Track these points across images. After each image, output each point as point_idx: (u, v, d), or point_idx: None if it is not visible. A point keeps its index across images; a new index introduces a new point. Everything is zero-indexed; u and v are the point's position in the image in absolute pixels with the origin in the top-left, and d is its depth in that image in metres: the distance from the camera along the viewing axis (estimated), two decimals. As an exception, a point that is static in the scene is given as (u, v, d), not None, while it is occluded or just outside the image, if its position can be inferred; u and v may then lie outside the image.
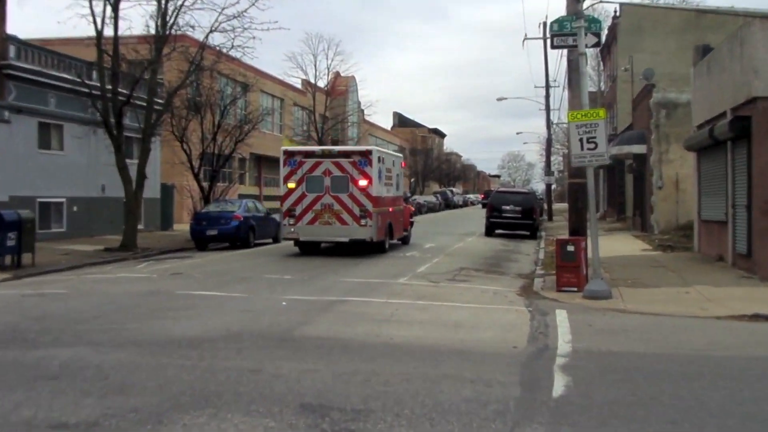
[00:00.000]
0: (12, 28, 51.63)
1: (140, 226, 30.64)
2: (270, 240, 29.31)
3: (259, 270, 19.27)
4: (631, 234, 32.25)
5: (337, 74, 59.18)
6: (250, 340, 10.03)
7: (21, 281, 17.74)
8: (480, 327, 11.39)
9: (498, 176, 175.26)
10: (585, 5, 16.41)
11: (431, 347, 9.73)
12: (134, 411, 6.83)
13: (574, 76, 16.83)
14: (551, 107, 53.91)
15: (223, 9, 30.44)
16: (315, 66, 55.33)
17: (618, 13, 45.82)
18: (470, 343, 10.06)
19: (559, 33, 16.58)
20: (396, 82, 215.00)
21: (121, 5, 26.00)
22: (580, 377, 8.20)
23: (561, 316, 12.32)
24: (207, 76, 32.50)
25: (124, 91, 26.75)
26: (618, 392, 7.60)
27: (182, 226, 35.82)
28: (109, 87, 26.11)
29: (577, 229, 16.96)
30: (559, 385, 7.86)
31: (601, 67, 58.62)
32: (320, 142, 52.75)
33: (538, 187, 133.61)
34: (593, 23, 16.47)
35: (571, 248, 15.38)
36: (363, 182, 22.77)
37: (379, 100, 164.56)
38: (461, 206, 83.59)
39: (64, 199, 30.14)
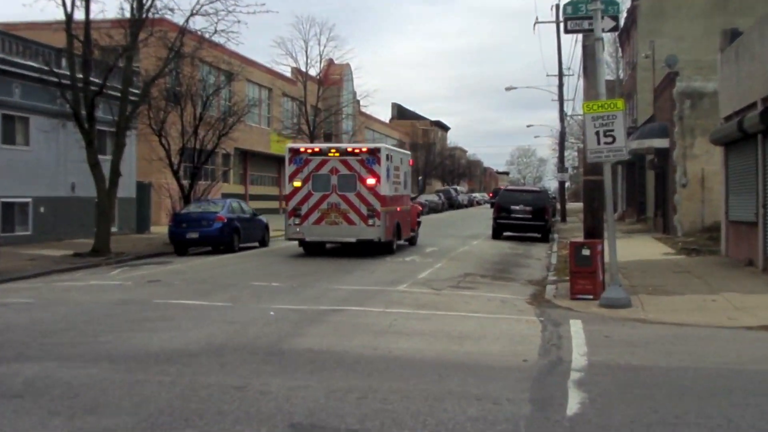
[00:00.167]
0: (-27, 11, 51.53)
1: (114, 229, 30.60)
2: (256, 243, 29.29)
3: (244, 277, 19.25)
4: (652, 236, 32.28)
5: (331, 62, 59.12)
6: (234, 354, 10.01)
7: (-17, 289, 17.69)
8: (487, 338, 11.38)
9: (506, 173, 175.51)
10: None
11: (433, 361, 9.72)
12: (107, 432, 6.81)
13: (589, 63, 16.84)
14: (565, 98, 54.07)
15: (205, -10, 30.40)
16: (306, 53, 55.25)
17: (638, -6, 45.89)
18: (476, 357, 10.05)
19: (574, 16, 16.59)
20: (395, 71, 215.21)
21: (93, -14, 26.01)
22: (596, 394, 8.18)
23: (575, 327, 12.31)
24: (187, 63, 32.48)
25: (97, 81, 26.72)
26: (638, 410, 7.59)
27: (160, 229, 35.80)
28: (80, 76, 26.08)
29: (593, 230, 16.95)
30: (574, 402, 7.85)
31: (620, 54, 58.70)
32: (312, 136, 52.75)
33: (551, 185, 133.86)
34: (611, 5, 16.48)
35: (586, 252, 15.38)
36: (371, 181, 23.73)
37: (377, 90, 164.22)
38: (466, 206, 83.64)
39: (29, 199, 30.11)
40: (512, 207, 33.24)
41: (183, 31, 28.77)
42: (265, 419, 7.18)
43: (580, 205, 62.53)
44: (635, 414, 7.46)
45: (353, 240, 24.04)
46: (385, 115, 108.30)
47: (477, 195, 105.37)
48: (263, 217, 30.60)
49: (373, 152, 24.14)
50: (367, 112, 74.91)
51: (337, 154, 24.12)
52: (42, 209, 30.59)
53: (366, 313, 13.62)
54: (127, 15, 27.09)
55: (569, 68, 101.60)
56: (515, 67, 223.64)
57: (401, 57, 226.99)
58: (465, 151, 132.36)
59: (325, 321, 12.67)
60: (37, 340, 11.03)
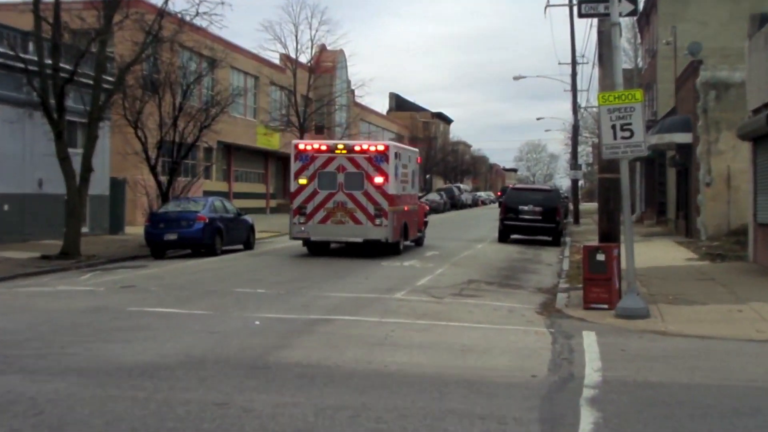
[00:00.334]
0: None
1: (85, 229, 30.54)
2: (241, 246, 29.27)
3: (227, 282, 19.23)
4: (673, 240, 32.31)
5: (323, 48, 59.15)
6: (215, 368, 9.99)
7: (-59, 295, 17.65)
8: (492, 352, 11.38)
9: (515, 170, 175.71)
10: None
11: (433, 376, 9.71)
12: (74, 453, 6.79)
13: (605, 50, 16.84)
14: (578, 88, 53.84)
15: (185, -32, 30.46)
16: (296, 38, 55.14)
17: (658, -24, 45.94)
18: (480, 372, 10.05)
19: (589, -1, 16.57)
20: (393, 58, 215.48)
21: (63, -37, 25.99)
22: (611, 413, 8.18)
23: (589, 339, 12.32)
24: (166, 49, 32.40)
25: (67, 67, 26.66)
26: (657, 431, 7.57)
27: (135, 229, 35.75)
28: (49, 61, 26.03)
29: (609, 233, 16.95)
30: (587, 422, 7.84)
31: (639, 40, 58.77)
32: (302, 128, 52.76)
33: (563, 183, 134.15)
34: (629, -13, 16.46)
35: (601, 257, 15.38)
36: (379, 179, 24.95)
37: (373, 79, 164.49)
38: (470, 206, 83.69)
39: (-7, 197, 30.04)
40: (520, 207, 33.26)
41: (161, 13, 28.73)
42: (249, 440, 7.15)
43: (594, 205, 62.51)
44: (654, 435, 7.45)
45: (360, 240, 25.22)
46: (381, 106, 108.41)
47: (482, 194, 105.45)
48: (248, 217, 30.57)
49: (382, 150, 25.22)
50: (363, 103, 75.02)
51: (344, 152, 25.24)
52: (6, 207, 30.50)
53: (360, 323, 13.60)
54: (101, -5, 27.07)
55: (583, 56, 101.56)
56: (524, 54, 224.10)
57: (400, 43, 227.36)
58: (469, 146, 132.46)
59: (314, 332, 12.65)
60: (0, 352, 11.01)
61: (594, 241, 20.16)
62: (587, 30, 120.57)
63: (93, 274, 22.06)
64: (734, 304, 15.69)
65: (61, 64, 26.47)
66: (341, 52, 68.20)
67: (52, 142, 26.53)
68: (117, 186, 37.21)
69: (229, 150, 56.03)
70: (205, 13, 28.26)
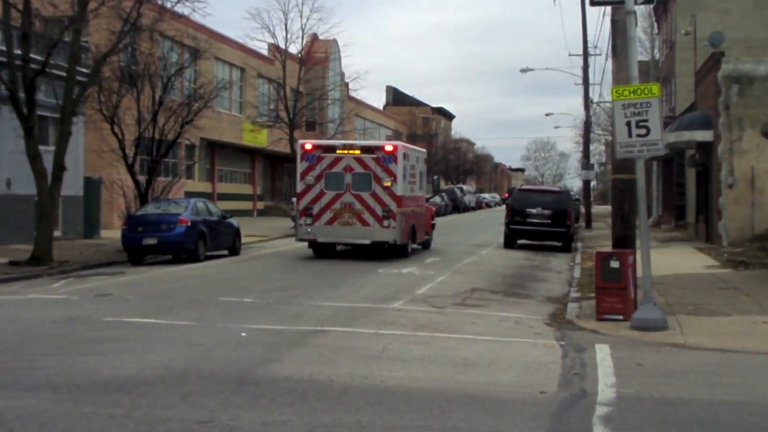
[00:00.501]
0: None
1: (57, 233, 30.51)
2: (225, 251, 29.29)
3: (211, 290, 19.24)
4: (692, 246, 32.36)
5: (315, 37, 59.17)
6: (198, 383, 10.00)
7: None
8: (497, 366, 11.40)
9: (522, 170, 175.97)
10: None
11: (434, 392, 9.72)
12: (47, 475, 6.80)
13: (619, 41, 16.88)
14: (591, 81, 53.93)
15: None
16: (286, 27, 55.09)
17: (677, -39, 46.02)
18: (484, 387, 10.06)
19: (601, -14, 16.64)
20: (390, 48, 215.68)
21: (34, -54, 25.98)
22: (626, 432, 8.19)
23: (602, 353, 12.34)
24: (145, 38, 32.45)
25: (38, 58, 26.66)
26: (676, 452, 7.61)
27: (112, 233, 35.76)
28: (18, 52, 26.03)
29: (623, 239, 16.98)
30: (600, 442, 7.85)
31: (655, 30, 58.86)
32: (291, 125, 52.77)
33: (574, 184, 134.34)
34: (645, -27, 16.52)
35: (615, 264, 15.40)
36: (387, 180, 26.10)
37: (369, 72, 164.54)
38: (473, 208, 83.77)
39: (-42, 197, 30.04)
40: (528, 210, 33.29)
41: (140, -1, 28.75)
42: (235, 460, 7.17)
43: (607, 208, 62.60)
44: (672, 456, 7.48)
45: (367, 242, 26.46)
46: (378, 100, 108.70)
47: (486, 196, 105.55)
48: (234, 220, 30.59)
49: (390, 150, 26.48)
50: (357, 97, 75.01)
51: (352, 152, 26.58)
52: (-28, 209, 30.51)
53: (355, 335, 13.62)
54: (75, -20, 27.09)
55: (596, 47, 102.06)
56: (532, 45, 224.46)
57: (398, 32, 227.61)
58: (472, 144, 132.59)
59: (306, 344, 12.66)
60: (-35, 365, 11.00)
61: (607, 247, 20.18)
62: (600, 19, 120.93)
63: (66, 281, 22.05)
64: (758, 315, 15.72)
65: (32, 55, 26.46)
66: (334, 42, 68.27)
67: (22, 139, 26.52)
68: (92, 186, 37.19)
69: (213, 148, 56.05)
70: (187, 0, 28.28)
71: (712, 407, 9.37)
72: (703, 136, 32.73)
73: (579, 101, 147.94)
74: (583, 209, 55.14)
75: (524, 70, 62.42)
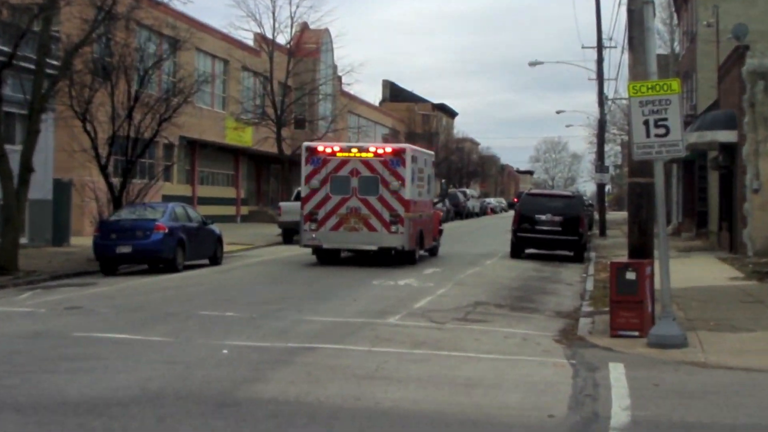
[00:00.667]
0: None
1: (23, 240, 30.46)
2: (206, 260, 29.27)
3: (190, 303, 19.22)
4: (715, 256, 32.38)
5: (305, 26, 59.18)
6: (175, 405, 9.99)
7: None
8: (502, 387, 11.40)
9: (530, 173, 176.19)
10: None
11: (433, 415, 9.72)
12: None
13: (637, 32, 16.88)
14: (605, 76, 53.98)
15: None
16: (273, 14, 55.07)
17: (699, -54, 46.11)
18: (488, 410, 10.06)
19: (617, -27, 16.67)
20: (387, 39, 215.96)
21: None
22: (642, 460, 8.20)
23: (616, 372, 12.33)
24: (121, 27, 32.44)
25: (5, 49, 26.70)
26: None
27: (83, 240, 35.71)
28: (-18, 42, 26.04)
29: (641, 248, 16.97)
30: (613, 470, 7.86)
31: (675, 21, 59.00)
32: (279, 122, 52.79)
33: (587, 188, 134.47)
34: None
35: (631, 275, 15.40)
36: (395, 184, 27.04)
37: (364, 64, 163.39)
38: (477, 214, 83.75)
39: None
40: (537, 216, 33.27)
41: (116, -16, 28.76)
42: (215, 490, 7.17)
43: (623, 214, 62.64)
44: (691, 486, 7.48)
45: (374, 248, 27.49)
46: (374, 96, 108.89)
47: (491, 200, 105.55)
48: (216, 227, 30.57)
49: (398, 153, 27.64)
50: (351, 92, 75.01)
51: (358, 155, 27.54)
52: (-70, 213, 30.46)
53: (346, 352, 13.61)
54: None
55: (611, 39, 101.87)
56: (542, 36, 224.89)
57: (396, 21, 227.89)
58: (477, 144, 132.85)
59: (293, 362, 12.65)
60: None
61: (623, 257, 20.16)
62: (615, 8, 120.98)
63: (33, 292, 22.00)
64: (786, 332, 15.74)
65: (-3, 46, 26.48)
66: (326, 31, 68.27)
67: (-15, 137, 26.51)
68: (62, 189, 37.13)
69: (194, 147, 56.01)
70: (166, -15, 28.31)
71: (736, 431, 9.38)
72: (727, 136, 32.75)
73: (593, 98, 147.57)
74: (596, 215, 55.25)
75: (533, 64, 62.44)
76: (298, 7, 57.71)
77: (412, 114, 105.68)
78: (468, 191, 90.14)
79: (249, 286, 22.87)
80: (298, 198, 40.91)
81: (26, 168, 26.70)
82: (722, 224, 36.61)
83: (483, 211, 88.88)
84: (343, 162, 27.48)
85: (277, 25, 54.80)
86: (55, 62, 29.21)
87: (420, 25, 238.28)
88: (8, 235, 25.99)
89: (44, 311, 18.12)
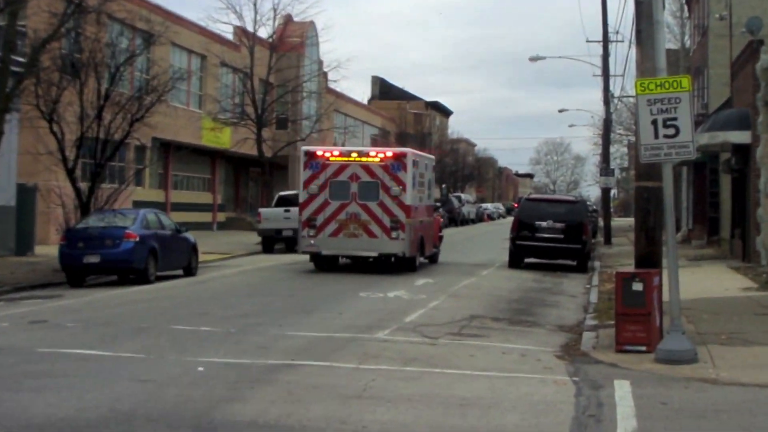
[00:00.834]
0: None
1: (-16, 249, 30.39)
2: (180, 271, 29.25)
3: (163, 317, 19.19)
4: (727, 265, 32.45)
5: (288, 19, 59.28)
6: (147, 426, 9.98)
7: None
8: (499, 407, 11.40)
9: (530, 176, 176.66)
10: None
11: (424, 438, 9.70)
12: None
13: (645, 26, 16.93)
14: (611, 72, 54.17)
15: None
16: (255, 6, 55.08)
17: (710, -66, 46.27)
18: (484, 432, 10.06)
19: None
20: (377, 32, 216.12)
21: None
22: (649, 485, 8.21)
23: (622, 390, 12.35)
24: (91, 21, 32.42)
25: (-37, 44, 26.61)
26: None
27: (48, 249, 35.64)
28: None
29: (648, 257, 17.01)
30: (618, 496, 7.87)
31: (686, 14, 59.18)
32: (259, 122, 52.76)
33: (591, 192, 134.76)
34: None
35: (638, 286, 15.43)
36: (396, 189, 28.06)
37: (352, 59, 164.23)
38: (473, 221, 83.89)
39: None
40: (537, 223, 33.31)
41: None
42: None
43: (630, 221, 62.79)
44: None
45: (374, 254, 28.86)
46: (362, 93, 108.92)
47: (488, 206, 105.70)
48: (190, 235, 30.54)
49: (399, 157, 28.67)
50: (338, 89, 75.03)
51: (358, 159, 28.62)
52: None
53: (331, 370, 13.60)
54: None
55: (618, 32, 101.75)
56: (543, 29, 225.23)
57: (385, 13, 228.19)
58: (473, 145, 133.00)
59: (273, 381, 12.64)
60: None
61: (629, 267, 20.20)
62: (623, 1, 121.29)
63: (-7, 306, 21.99)
64: (804, 347, 15.77)
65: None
66: (311, 24, 68.35)
67: (-57, 139, 26.45)
68: (26, 194, 37.07)
69: (167, 149, 55.88)
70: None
71: (749, 455, 9.39)
72: (740, 137, 32.82)
73: (597, 96, 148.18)
74: (601, 222, 55.32)
75: (534, 59, 62.52)
76: (281, -2, 57.44)
77: (403, 113, 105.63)
78: (463, 196, 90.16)
79: (226, 299, 22.83)
80: (279, 204, 41.16)
81: (-13, 172, 26.64)
82: (735, 231, 36.69)
83: (479, 218, 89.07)
84: (343, 166, 28.43)
85: (258, 18, 54.92)
86: (20, 59, 29.14)
87: (413, 17, 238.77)
88: (-33, 243, 25.93)
89: (7, 325, 18.08)
